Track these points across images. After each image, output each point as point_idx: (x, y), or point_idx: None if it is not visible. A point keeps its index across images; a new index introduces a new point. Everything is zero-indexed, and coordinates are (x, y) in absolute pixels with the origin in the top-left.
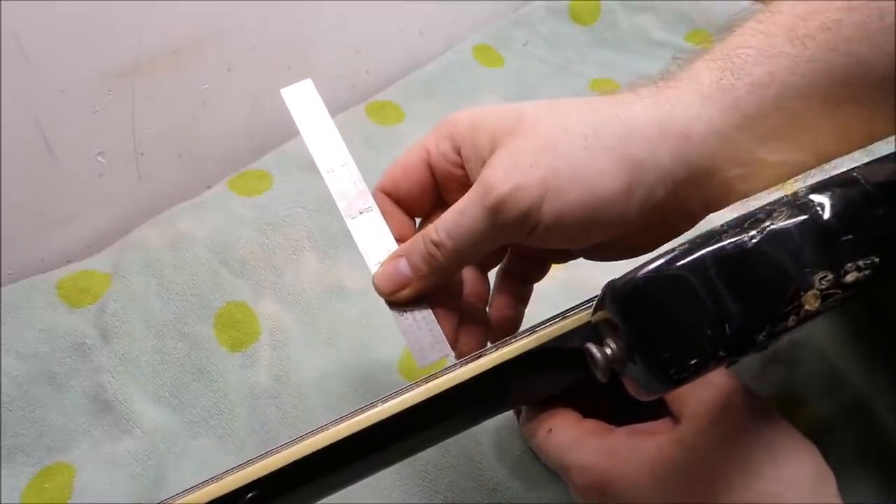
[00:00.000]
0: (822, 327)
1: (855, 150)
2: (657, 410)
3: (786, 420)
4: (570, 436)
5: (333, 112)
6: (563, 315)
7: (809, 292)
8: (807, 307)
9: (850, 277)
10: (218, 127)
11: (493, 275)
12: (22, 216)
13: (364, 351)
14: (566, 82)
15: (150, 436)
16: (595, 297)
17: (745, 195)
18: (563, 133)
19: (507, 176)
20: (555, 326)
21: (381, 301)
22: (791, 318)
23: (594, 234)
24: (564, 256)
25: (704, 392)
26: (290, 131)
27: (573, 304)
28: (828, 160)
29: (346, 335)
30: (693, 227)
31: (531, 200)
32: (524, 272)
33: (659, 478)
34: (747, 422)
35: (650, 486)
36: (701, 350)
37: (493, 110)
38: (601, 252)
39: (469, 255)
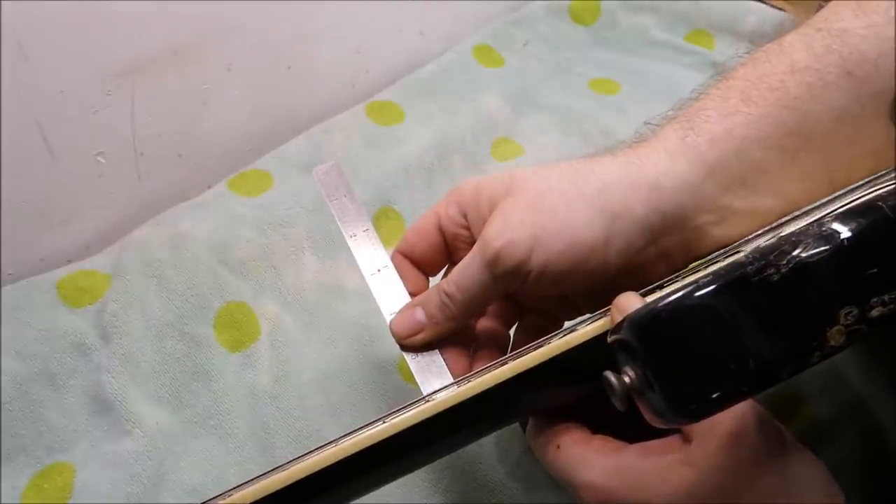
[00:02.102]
0: None
1: (821, 198)
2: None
3: (797, 442)
4: (578, 453)
5: (333, 112)
6: (573, 328)
7: (835, 328)
8: (832, 343)
9: (875, 312)
10: (218, 127)
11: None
12: (22, 216)
13: (364, 351)
14: (566, 82)
15: (150, 436)
16: (606, 308)
17: (723, 242)
18: (546, 190)
19: (501, 232)
20: (565, 339)
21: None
22: (815, 353)
23: (580, 279)
24: (571, 312)
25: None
26: (290, 131)
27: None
28: (797, 208)
29: (346, 335)
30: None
31: (522, 252)
32: (540, 328)
33: (669, 499)
34: (759, 445)
35: None
36: (723, 385)
37: (492, 178)
38: (598, 303)
39: (476, 303)
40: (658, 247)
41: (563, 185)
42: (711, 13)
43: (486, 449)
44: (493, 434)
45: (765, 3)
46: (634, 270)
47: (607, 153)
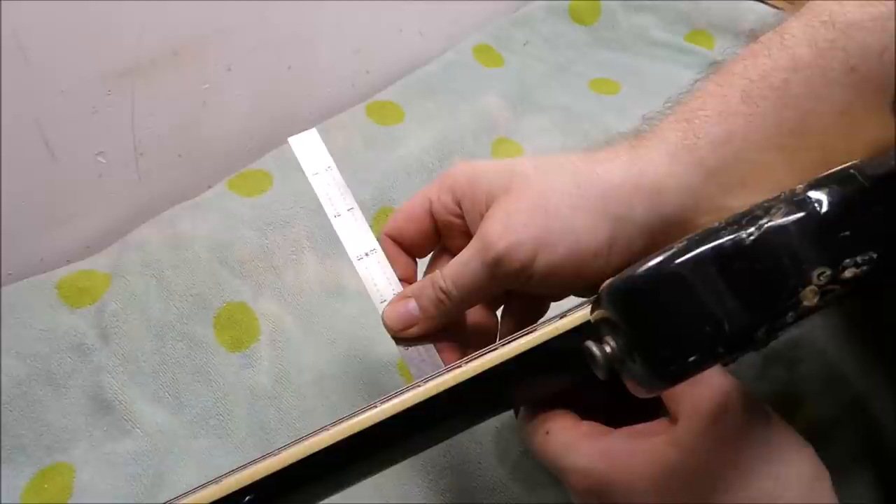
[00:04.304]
0: (821, 326)
1: None
2: (655, 409)
3: (781, 419)
4: (566, 438)
5: (333, 112)
6: (562, 314)
7: (808, 288)
8: (805, 303)
9: (848, 273)
10: (218, 127)
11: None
12: (22, 216)
13: (364, 351)
14: (566, 82)
15: (149, 436)
16: (594, 296)
17: None
18: (550, 192)
19: (503, 234)
20: (553, 326)
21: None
22: (790, 314)
23: (580, 282)
24: (560, 295)
25: (700, 392)
26: (289, 131)
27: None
28: None
29: (346, 335)
30: None
31: (526, 256)
32: (527, 310)
33: (656, 480)
34: (743, 422)
35: (648, 489)
36: (700, 347)
37: (487, 167)
38: (590, 293)
39: (473, 301)
40: (656, 246)
41: (566, 187)
42: (711, 13)
43: (486, 449)
44: (494, 434)
45: (765, 3)
46: None
47: (608, 150)
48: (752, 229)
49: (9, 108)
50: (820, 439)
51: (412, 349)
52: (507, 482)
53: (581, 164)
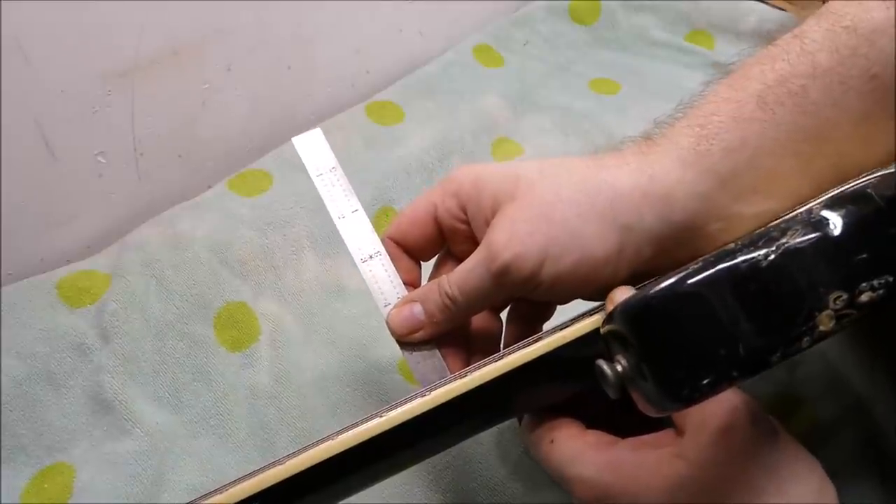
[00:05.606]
0: None
1: (826, 189)
2: (660, 420)
3: (787, 433)
4: (572, 448)
5: (333, 112)
6: (569, 323)
7: (824, 313)
8: (821, 328)
9: (864, 297)
10: (218, 127)
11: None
12: (22, 216)
13: (364, 351)
14: (566, 82)
15: (150, 436)
16: (601, 304)
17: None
18: (557, 200)
19: (508, 244)
20: (560, 334)
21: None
22: (805, 339)
23: (589, 288)
24: (567, 300)
25: (708, 406)
26: (289, 131)
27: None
28: (802, 202)
29: (346, 335)
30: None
31: (532, 267)
32: (532, 313)
33: (662, 492)
34: (751, 438)
35: (653, 501)
36: (714, 370)
37: (493, 172)
38: (599, 297)
39: (479, 307)
40: (668, 255)
41: (573, 195)
42: (711, 13)
43: (487, 449)
44: (494, 434)
45: (765, 2)
46: (643, 277)
47: (616, 155)
48: (768, 250)
49: (9, 108)
50: (820, 441)
51: (416, 355)
52: (507, 482)
53: (588, 171)
